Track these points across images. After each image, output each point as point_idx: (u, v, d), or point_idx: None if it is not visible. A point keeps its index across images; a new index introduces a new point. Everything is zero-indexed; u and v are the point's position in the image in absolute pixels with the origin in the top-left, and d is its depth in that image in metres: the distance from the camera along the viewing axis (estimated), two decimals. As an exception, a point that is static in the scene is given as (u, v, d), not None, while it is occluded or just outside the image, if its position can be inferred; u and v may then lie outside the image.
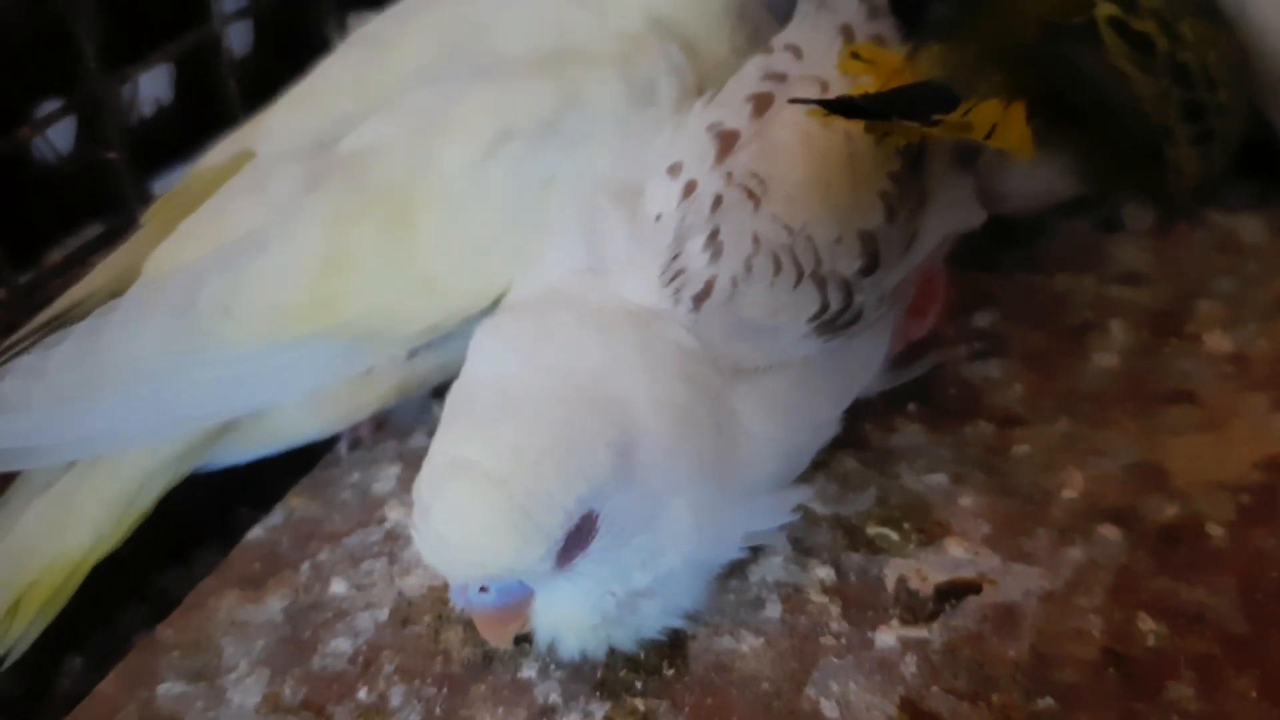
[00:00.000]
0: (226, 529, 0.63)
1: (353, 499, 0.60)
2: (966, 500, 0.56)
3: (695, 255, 0.50)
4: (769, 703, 0.49)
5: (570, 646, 0.49)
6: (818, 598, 0.53)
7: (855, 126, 0.53)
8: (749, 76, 0.57)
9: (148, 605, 0.62)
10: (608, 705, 0.49)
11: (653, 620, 0.50)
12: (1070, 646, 0.50)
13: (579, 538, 0.46)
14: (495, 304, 0.56)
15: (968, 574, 0.53)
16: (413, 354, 0.58)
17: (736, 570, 0.53)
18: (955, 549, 0.54)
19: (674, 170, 0.53)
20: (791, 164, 0.53)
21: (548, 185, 0.56)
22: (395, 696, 0.51)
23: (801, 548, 0.54)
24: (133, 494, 0.56)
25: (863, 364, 0.55)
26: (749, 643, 0.51)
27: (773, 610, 0.52)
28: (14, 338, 0.56)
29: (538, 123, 0.56)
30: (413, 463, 0.60)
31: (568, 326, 0.49)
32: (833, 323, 0.51)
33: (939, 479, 0.57)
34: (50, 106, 0.72)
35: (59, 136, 0.73)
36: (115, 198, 0.71)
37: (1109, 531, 0.54)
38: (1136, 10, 0.59)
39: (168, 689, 0.52)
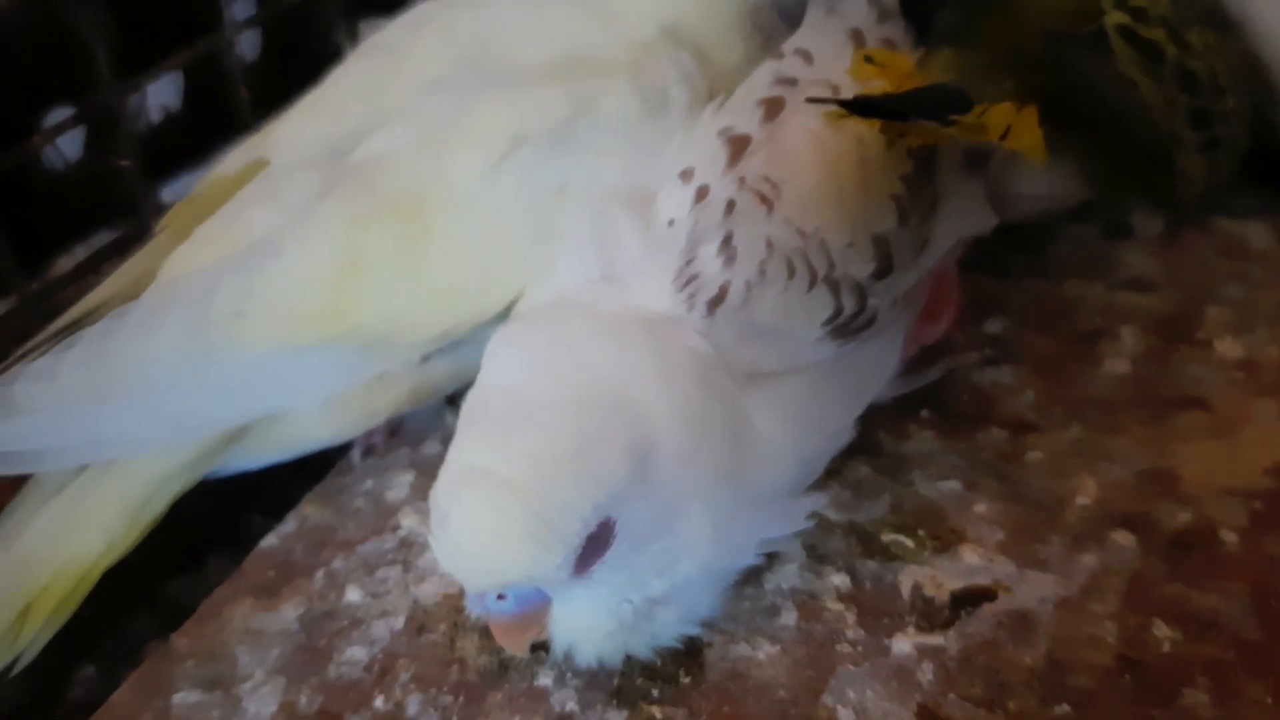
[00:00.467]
0: (238, 536, 0.63)
1: (366, 506, 0.60)
2: (980, 507, 0.56)
3: (709, 260, 0.50)
4: (785, 710, 0.49)
5: (587, 654, 0.49)
6: (833, 605, 0.53)
7: (867, 130, 0.53)
8: (760, 81, 0.57)
9: (159, 613, 0.62)
10: (625, 713, 0.49)
11: (669, 628, 0.50)
12: (1085, 653, 0.50)
13: (596, 545, 0.46)
14: (508, 310, 0.56)
15: (983, 581, 0.53)
16: (426, 359, 0.58)
17: (752, 577, 0.53)
18: (970, 556, 0.54)
19: (686, 175, 0.54)
20: (803, 168, 0.53)
21: (560, 192, 0.56)
22: (412, 705, 0.50)
23: (816, 555, 0.54)
24: (145, 499, 0.56)
25: (876, 369, 0.55)
26: (765, 650, 0.51)
27: (788, 618, 0.52)
28: (28, 345, 0.56)
29: (550, 130, 0.56)
30: (426, 470, 0.60)
31: (582, 334, 0.49)
32: (847, 326, 0.51)
33: (952, 485, 0.57)
34: (59, 113, 0.72)
35: (68, 144, 0.73)
36: (125, 205, 0.71)
37: (1122, 538, 0.54)
38: (1146, 19, 0.59)
39: (183, 698, 0.52)
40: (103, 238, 0.74)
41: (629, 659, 0.50)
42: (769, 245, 0.50)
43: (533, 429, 0.46)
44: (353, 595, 0.55)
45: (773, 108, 0.55)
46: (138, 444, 0.55)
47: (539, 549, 0.44)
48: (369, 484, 0.61)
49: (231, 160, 0.61)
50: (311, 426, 0.58)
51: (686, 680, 0.50)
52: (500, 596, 0.46)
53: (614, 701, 0.50)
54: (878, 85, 0.55)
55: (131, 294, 0.57)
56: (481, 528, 0.45)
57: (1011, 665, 0.50)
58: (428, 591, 0.55)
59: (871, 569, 0.54)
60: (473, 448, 0.47)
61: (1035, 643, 0.50)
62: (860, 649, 0.51)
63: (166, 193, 0.78)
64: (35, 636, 0.54)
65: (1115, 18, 0.58)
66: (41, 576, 0.54)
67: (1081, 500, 0.56)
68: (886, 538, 0.55)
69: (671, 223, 0.52)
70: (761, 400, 0.50)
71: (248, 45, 0.78)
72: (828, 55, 0.58)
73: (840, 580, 0.53)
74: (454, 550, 0.46)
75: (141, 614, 0.63)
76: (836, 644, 0.51)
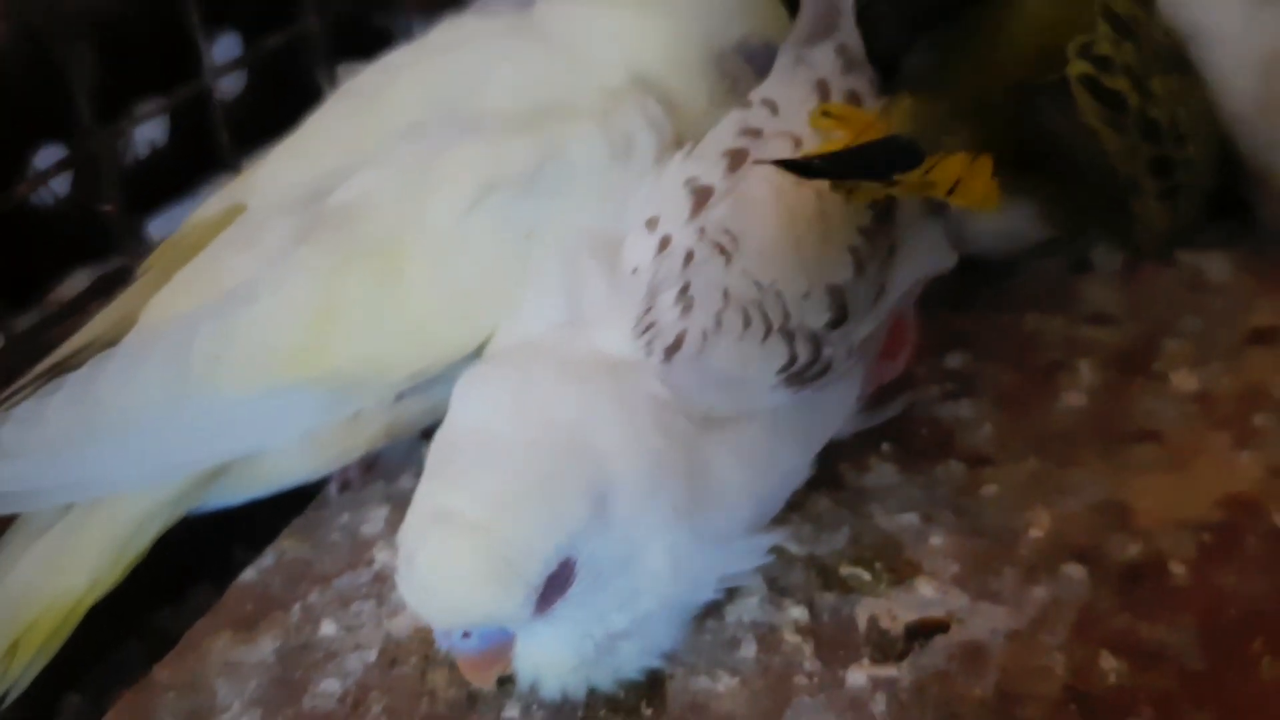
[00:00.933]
0: (220, 567, 0.65)
1: (342, 540, 0.62)
2: (936, 539, 0.58)
3: (667, 309, 0.52)
4: (743, 741, 0.51)
5: (551, 687, 0.51)
6: (791, 637, 0.54)
7: (826, 183, 0.55)
8: (725, 132, 0.59)
9: (144, 642, 0.64)
10: (588, 744, 0.51)
11: (631, 661, 0.51)
12: (1034, 684, 0.51)
13: (557, 584, 0.47)
14: (480, 350, 0.58)
15: (936, 613, 0.55)
16: (400, 397, 0.60)
17: (713, 610, 0.55)
18: (925, 588, 0.56)
19: (651, 224, 0.55)
20: (763, 220, 0.54)
21: (530, 237, 0.58)
22: (383, 736, 0.52)
23: (777, 588, 0.56)
24: (129, 537, 0.58)
25: (832, 412, 0.57)
26: (725, 682, 0.53)
27: (748, 650, 0.54)
28: (15, 385, 0.58)
29: (519, 176, 0.58)
30: (400, 504, 0.61)
31: (547, 378, 0.51)
32: (801, 375, 0.53)
33: (910, 519, 0.59)
34: (48, 149, 0.74)
35: (56, 180, 0.75)
36: (111, 241, 0.73)
37: (1074, 570, 0.56)
38: (1110, 67, 0.60)
39: (163, 729, 0.54)
40: (89, 272, 0.76)
41: (592, 691, 0.51)
42: (725, 296, 0.52)
43: (496, 472, 0.48)
44: (328, 629, 0.57)
45: (736, 159, 0.57)
46: (122, 484, 0.57)
47: (501, 590, 0.46)
48: (345, 518, 0.63)
49: (212, 204, 0.63)
50: (290, 464, 0.60)
51: (649, 712, 0.52)
52: (466, 634, 0.48)
53: (578, 733, 0.52)
54: (838, 137, 0.57)
55: (115, 335, 0.59)
56: (445, 569, 0.47)
57: (962, 696, 0.51)
58: (400, 625, 0.56)
59: (830, 601, 0.56)
60: (439, 490, 0.49)
61: (985, 674, 0.52)
62: (816, 680, 0.52)
63: (154, 225, 0.81)
64: (24, 670, 0.56)
65: (1078, 67, 0.59)
66: (30, 612, 0.56)
67: (1035, 533, 0.58)
68: (845, 571, 0.57)
69: (635, 270, 0.54)
70: (718, 443, 0.52)
71: (230, 80, 0.80)
72: (794, 106, 0.60)
73: (799, 613, 0.55)
74: (419, 591, 0.47)
75: (127, 644, 0.65)
76: (794, 676, 0.53)
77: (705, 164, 0.57)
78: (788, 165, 0.52)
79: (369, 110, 0.63)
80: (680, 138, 0.61)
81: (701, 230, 0.54)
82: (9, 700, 0.56)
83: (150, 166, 0.81)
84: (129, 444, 0.56)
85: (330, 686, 0.54)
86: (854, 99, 0.61)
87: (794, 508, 0.58)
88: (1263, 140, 0.66)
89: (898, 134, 0.56)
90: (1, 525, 0.58)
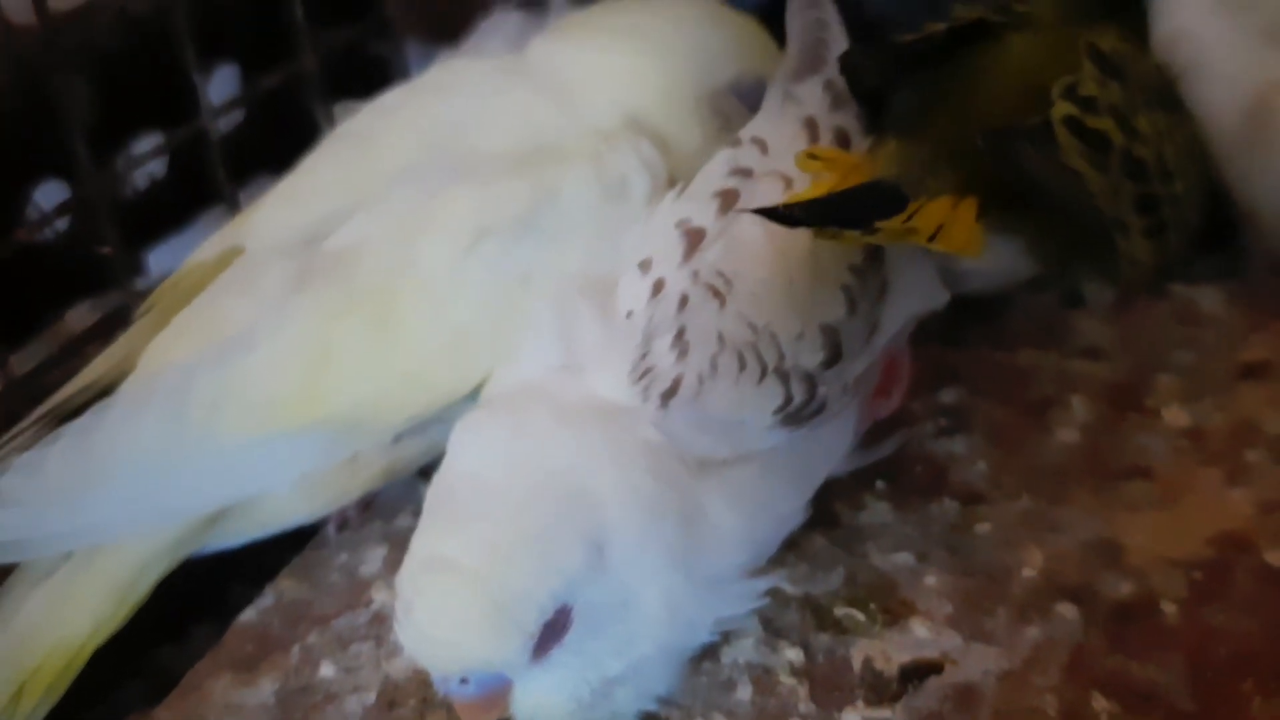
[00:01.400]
0: (221, 606, 0.65)
1: (341, 580, 0.62)
2: (930, 579, 0.58)
3: (662, 354, 0.52)
4: (738, 784, 0.51)
5: (548, 731, 0.51)
6: (787, 679, 0.55)
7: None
8: (716, 172, 0.59)
9: (145, 682, 0.64)
10: (585, 788, 0.51)
11: (628, 705, 0.52)
12: (1026, 726, 0.52)
13: (554, 631, 0.48)
14: (476, 392, 0.58)
15: (930, 654, 0.55)
16: (398, 439, 0.60)
17: (709, 653, 0.55)
18: (919, 629, 0.56)
19: (645, 266, 0.56)
20: (755, 261, 0.55)
21: (524, 280, 0.59)
22: (382, 780, 0.53)
23: (772, 629, 0.57)
24: (130, 582, 0.58)
25: (827, 453, 0.57)
26: (720, 725, 0.53)
27: (744, 692, 0.54)
28: (15, 430, 0.59)
29: (513, 220, 0.59)
30: (398, 543, 0.62)
31: (542, 424, 0.52)
32: (797, 415, 0.53)
33: (905, 558, 0.59)
34: (47, 185, 0.75)
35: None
36: (108, 279, 0.74)
37: (1066, 610, 0.56)
38: (1095, 108, 0.60)
39: (164, 773, 0.54)
40: (90, 305, 0.77)
41: (589, 735, 0.52)
42: (720, 339, 0.52)
43: (492, 520, 0.48)
44: (327, 670, 0.57)
45: (728, 199, 0.57)
46: (122, 531, 0.57)
47: (497, 637, 0.47)
48: (343, 558, 0.63)
49: (210, 245, 0.64)
50: (288, 507, 0.60)
51: (644, 756, 0.53)
52: (463, 680, 0.49)
53: (575, 777, 0.52)
54: (825, 178, 0.57)
55: (114, 379, 0.59)
56: (442, 617, 0.47)
57: (955, 738, 0.52)
58: (398, 667, 0.57)
59: (825, 643, 0.56)
60: (436, 537, 0.49)
61: (978, 715, 0.52)
62: (811, 723, 0.53)
63: (154, 257, 0.81)
64: (30, 715, 0.57)
65: (1062, 109, 0.59)
66: (34, 658, 0.56)
67: (1028, 572, 0.58)
68: (840, 611, 0.57)
69: (630, 314, 0.55)
70: (714, 487, 0.52)
71: (229, 117, 0.81)
72: (783, 144, 0.60)
73: (794, 655, 0.56)
74: (417, 637, 0.48)
75: (129, 684, 0.65)
76: (789, 718, 0.53)
77: (697, 205, 0.58)
78: (769, 214, 0.52)
79: (364, 153, 0.63)
80: (673, 177, 0.62)
81: (695, 273, 0.54)
82: (16, 744, 0.56)
83: (149, 199, 0.82)
84: (129, 492, 0.56)
85: (330, 730, 0.55)
86: (842, 137, 0.61)
87: (790, 547, 0.58)
88: (1253, 177, 0.67)
89: (881, 178, 0.56)
90: (2, 573, 0.59)
